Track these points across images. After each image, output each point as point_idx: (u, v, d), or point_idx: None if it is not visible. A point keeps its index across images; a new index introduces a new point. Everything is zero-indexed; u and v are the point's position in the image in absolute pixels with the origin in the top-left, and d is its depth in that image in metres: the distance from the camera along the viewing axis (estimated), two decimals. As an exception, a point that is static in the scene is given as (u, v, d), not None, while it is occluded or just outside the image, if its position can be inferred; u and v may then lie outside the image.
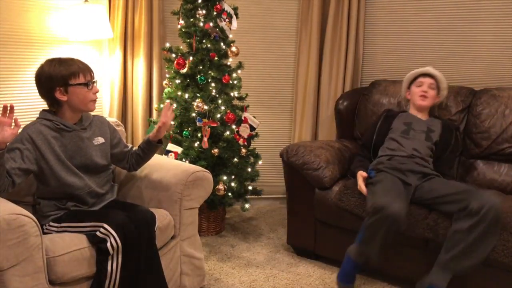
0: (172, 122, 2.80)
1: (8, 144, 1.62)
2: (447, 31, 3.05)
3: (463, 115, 2.67)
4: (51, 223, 1.80)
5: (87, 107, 1.84)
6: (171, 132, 2.83)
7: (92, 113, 2.00)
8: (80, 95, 1.80)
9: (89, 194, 1.87)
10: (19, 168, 1.69)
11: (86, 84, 1.80)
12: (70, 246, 1.66)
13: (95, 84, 1.86)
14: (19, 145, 1.71)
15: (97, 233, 1.67)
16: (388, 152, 2.42)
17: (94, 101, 1.85)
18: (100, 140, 1.94)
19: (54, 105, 1.83)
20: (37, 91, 1.80)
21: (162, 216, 1.96)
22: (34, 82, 1.81)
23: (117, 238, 1.65)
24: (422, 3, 3.11)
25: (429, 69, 2.58)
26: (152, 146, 2.04)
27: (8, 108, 1.54)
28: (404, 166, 2.30)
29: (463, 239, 1.95)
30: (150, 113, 3.19)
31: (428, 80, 2.53)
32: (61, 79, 1.76)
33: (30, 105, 2.55)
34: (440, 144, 2.43)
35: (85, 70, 1.82)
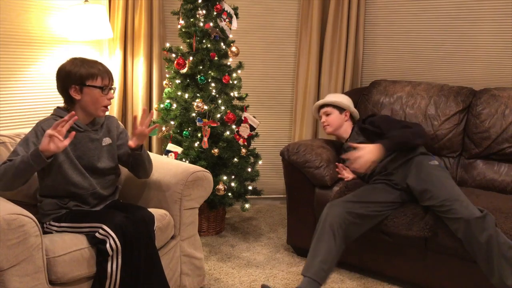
0: (172, 122, 2.80)
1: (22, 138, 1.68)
2: (447, 31, 3.05)
3: (463, 115, 2.67)
4: (52, 222, 1.80)
5: (96, 112, 1.85)
6: (171, 132, 2.83)
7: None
8: (93, 98, 1.81)
9: (92, 195, 1.87)
10: None
11: (101, 88, 1.81)
12: (70, 246, 1.66)
13: (112, 91, 1.87)
14: (32, 138, 1.74)
15: (96, 234, 1.67)
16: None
17: (106, 107, 1.85)
18: (108, 141, 1.94)
19: (69, 103, 1.84)
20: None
21: (161, 216, 1.96)
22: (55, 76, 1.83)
23: (116, 239, 1.65)
24: (422, 3, 3.11)
25: (318, 102, 2.69)
26: (134, 153, 1.95)
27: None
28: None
29: None
30: (150, 113, 3.19)
31: (323, 110, 2.66)
32: (78, 78, 1.78)
33: (30, 105, 2.54)
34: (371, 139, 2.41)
35: (105, 74, 1.83)
